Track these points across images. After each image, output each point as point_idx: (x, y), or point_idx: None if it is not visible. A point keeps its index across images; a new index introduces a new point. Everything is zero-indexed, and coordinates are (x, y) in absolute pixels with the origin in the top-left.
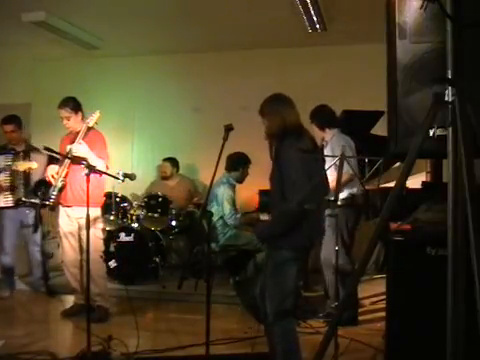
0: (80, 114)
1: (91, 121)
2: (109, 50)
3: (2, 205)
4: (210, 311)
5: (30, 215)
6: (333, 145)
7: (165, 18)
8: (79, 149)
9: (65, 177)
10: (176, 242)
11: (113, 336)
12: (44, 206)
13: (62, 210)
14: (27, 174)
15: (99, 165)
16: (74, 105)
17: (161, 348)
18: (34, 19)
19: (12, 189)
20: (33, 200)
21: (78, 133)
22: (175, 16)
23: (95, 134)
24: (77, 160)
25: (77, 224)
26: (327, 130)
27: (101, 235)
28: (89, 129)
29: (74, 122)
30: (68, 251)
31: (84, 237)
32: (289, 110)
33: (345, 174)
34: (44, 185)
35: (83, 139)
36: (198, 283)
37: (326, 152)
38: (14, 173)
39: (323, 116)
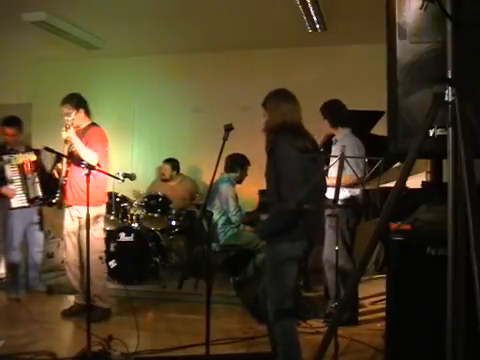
0: (82, 111)
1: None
2: (109, 50)
3: (16, 205)
4: (210, 311)
5: (36, 213)
6: (346, 145)
7: (165, 18)
8: (68, 134)
9: (66, 176)
10: (176, 242)
11: (113, 336)
12: (51, 205)
13: (66, 209)
14: (41, 172)
15: (89, 157)
16: (76, 102)
17: (161, 348)
18: (34, 19)
19: (25, 188)
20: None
21: (82, 131)
22: (175, 16)
23: (94, 130)
24: (76, 159)
25: (78, 223)
26: (339, 128)
27: (101, 235)
28: (92, 125)
29: (75, 119)
30: (69, 250)
31: (83, 237)
32: (291, 107)
33: (351, 177)
34: (52, 184)
35: (84, 135)
36: (198, 283)
37: (334, 150)
38: (24, 172)
39: (337, 113)
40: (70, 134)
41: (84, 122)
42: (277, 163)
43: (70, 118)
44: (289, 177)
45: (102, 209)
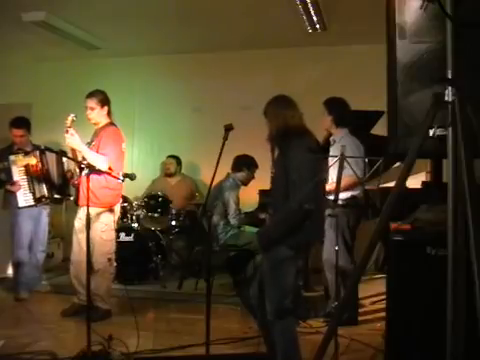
0: (106, 109)
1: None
2: (109, 50)
3: (23, 205)
4: (210, 311)
5: (45, 213)
6: (345, 145)
7: (165, 18)
8: (69, 140)
9: (79, 177)
10: (176, 242)
11: (113, 336)
12: (58, 202)
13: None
14: (46, 171)
15: (95, 161)
16: (102, 99)
17: (161, 348)
18: (34, 19)
19: (31, 188)
20: (56, 196)
21: (102, 129)
22: (175, 16)
23: (108, 130)
24: (76, 160)
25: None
26: (338, 128)
27: (108, 237)
28: (108, 125)
29: (97, 115)
30: (74, 249)
31: (90, 237)
32: (291, 112)
33: (351, 178)
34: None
35: (99, 134)
36: (198, 283)
37: (332, 151)
38: (30, 172)
39: (342, 111)
40: (71, 140)
41: (103, 120)
42: (292, 169)
43: (93, 113)
44: (296, 180)
45: (112, 211)
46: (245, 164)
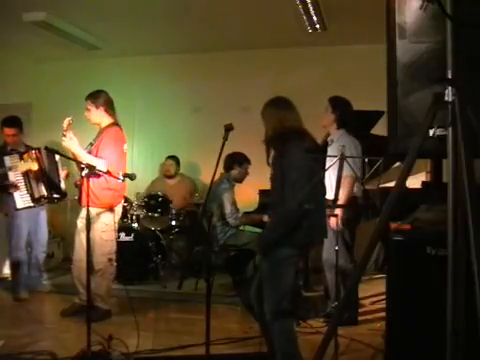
0: (102, 109)
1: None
2: (109, 50)
3: (22, 206)
4: (210, 311)
5: (43, 214)
6: (344, 144)
7: (165, 18)
8: (67, 143)
9: (81, 177)
10: (176, 242)
11: (113, 336)
12: (57, 201)
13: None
14: (44, 171)
15: (92, 162)
16: (98, 99)
17: (161, 348)
18: (35, 19)
19: (29, 189)
20: (55, 195)
21: (104, 130)
22: (175, 16)
23: (109, 130)
24: (77, 160)
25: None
26: (337, 128)
27: (108, 237)
28: (111, 125)
29: (93, 115)
30: (77, 248)
31: (91, 238)
32: (287, 113)
33: (348, 177)
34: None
35: (101, 135)
36: (198, 283)
37: (330, 151)
38: (27, 173)
39: (345, 113)
40: (69, 143)
41: (104, 121)
42: (289, 170)
43: (88, 114)
44: (295, 180)
45: (112, 211)
46: (236, 161)
